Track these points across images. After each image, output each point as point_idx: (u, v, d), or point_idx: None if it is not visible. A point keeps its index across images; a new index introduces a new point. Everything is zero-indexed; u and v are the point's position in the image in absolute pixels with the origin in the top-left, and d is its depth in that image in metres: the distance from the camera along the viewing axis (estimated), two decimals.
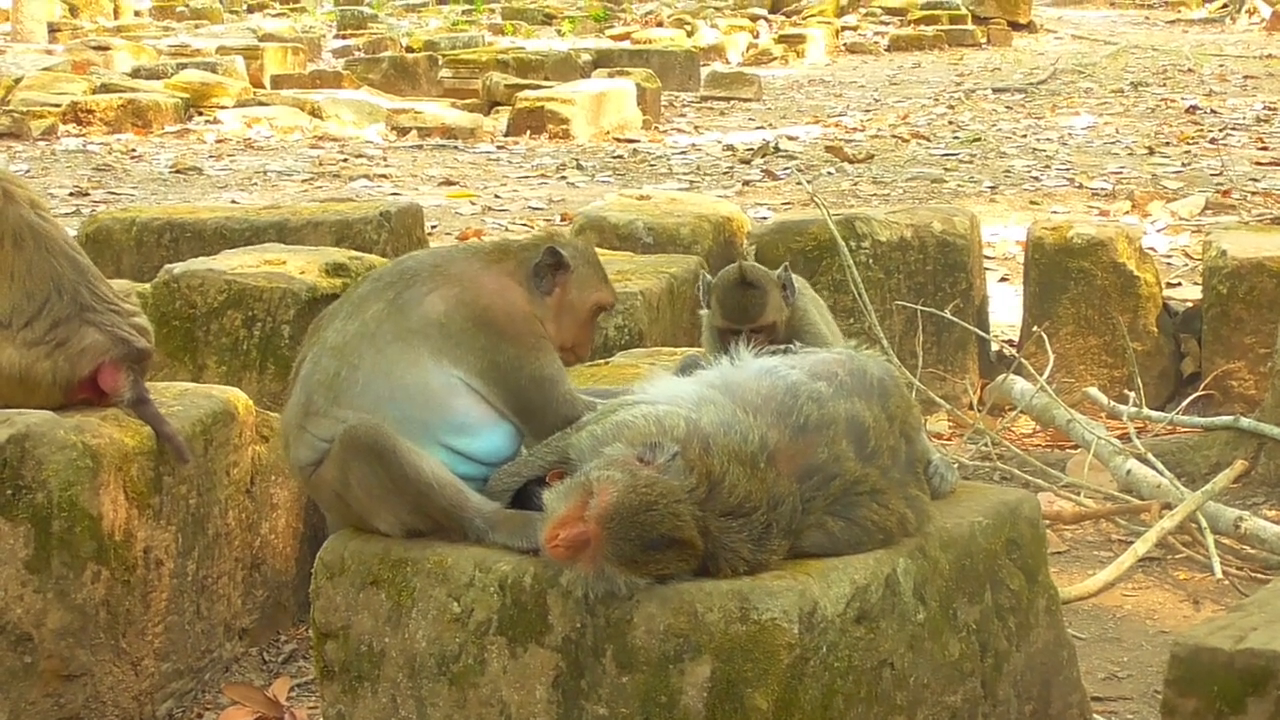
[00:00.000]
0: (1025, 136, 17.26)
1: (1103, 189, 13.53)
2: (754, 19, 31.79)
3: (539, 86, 19.53)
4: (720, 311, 4.44)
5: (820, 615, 3.41)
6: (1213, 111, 19.04)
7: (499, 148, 17.12)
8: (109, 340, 4.71)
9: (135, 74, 21.68)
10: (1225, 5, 35.37)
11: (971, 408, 7.63)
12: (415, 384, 3.76)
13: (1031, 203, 12.99)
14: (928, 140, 17.03)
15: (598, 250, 4.31)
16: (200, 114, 19.07)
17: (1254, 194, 13.09)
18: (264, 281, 6.51)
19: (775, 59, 27.91)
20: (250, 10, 38.24)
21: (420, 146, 17.24)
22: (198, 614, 4.91)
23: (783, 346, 4.15)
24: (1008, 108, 20.23)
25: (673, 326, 7.08)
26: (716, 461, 3.46)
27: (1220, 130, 17.28)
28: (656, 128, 18.90)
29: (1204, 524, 5.98)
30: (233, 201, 12.83)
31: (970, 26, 30.76)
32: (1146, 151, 15.75)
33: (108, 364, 4.69)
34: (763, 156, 15.87)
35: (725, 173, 15.06)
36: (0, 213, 4.68)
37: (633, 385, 4.05)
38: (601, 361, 5.58)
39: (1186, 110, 19.18)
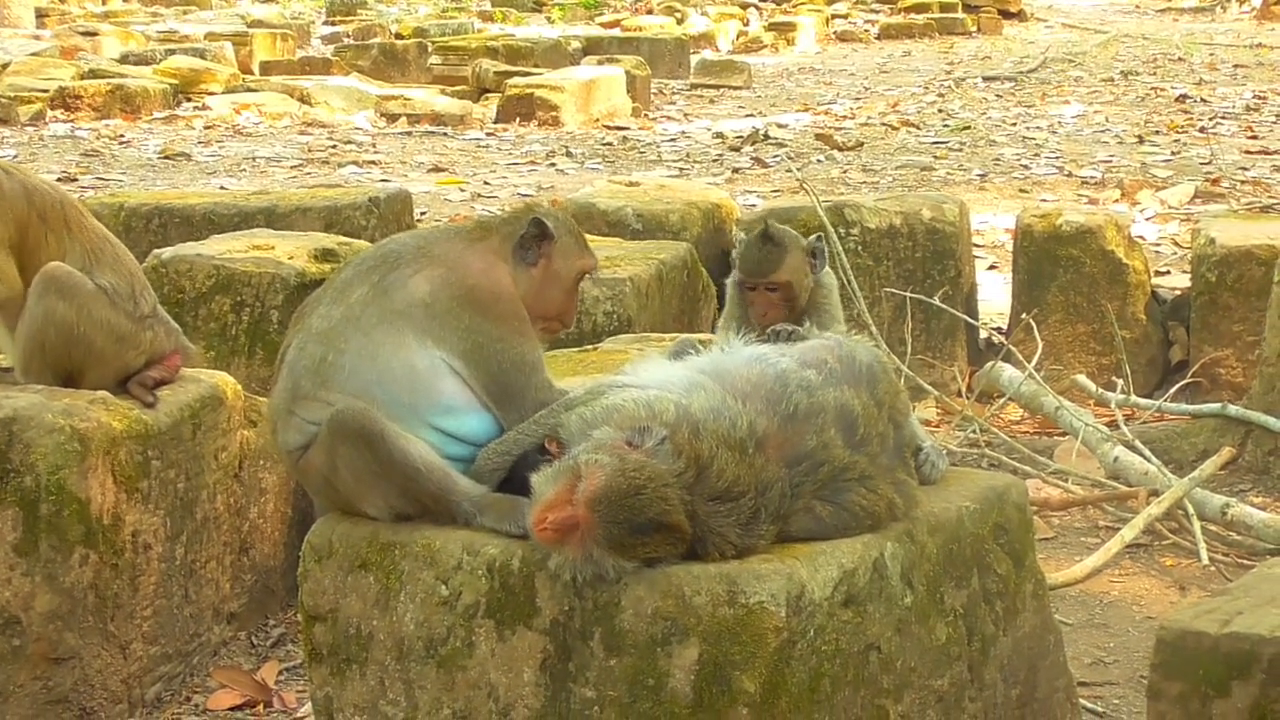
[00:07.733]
0: (1015, 125, 17.26)
1: (1092, 177, 13.54)
2: (744, 7, 31.75)
3: (528, 74, 19.49)
4: (738, 264, 4.48)
5: (808, 599, 3.41)
6: (1202, 100, 19.05)
7: (488, 135, 17.09)
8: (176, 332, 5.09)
9: (124, 60, 21.60)
10: None
11: (960, 395, 7.65)
12: (401, 366, 3.76)
13: (1021, 191, 13.00)
14: (917, 128, 17.03)
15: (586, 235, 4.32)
16: (189, 100, 19.02)
17: (1243, 182, 13.11)
18: (252, 266, 6.51)
19: (765, 47, 27.88)
20: None
21: (409, 133, 17.22)
22: (186, 598, 4.91)
23: (788, 328, 4.17)
24: (998, 96, 20.23)
25: (661, 312, 7.08)
26: (705, 446, 3.46)
27: (1210, 119, 17.29)
28: (646, 115, 18.88)
29: (1191, 510, 6.01)
30: (221, 187, 12.80)
31: (960, 15, 30.74)
32: (1136, 140, 15.76)
33: (179, 349, 5.03)
34: (752, 144, 15.87)
35: (715, 160, 15.05)
36: (81, 224, 4.95)
37: (622, 370, 4.05)
38: (590, 347, 5.59)
39: (1176, 99, 19.19)
